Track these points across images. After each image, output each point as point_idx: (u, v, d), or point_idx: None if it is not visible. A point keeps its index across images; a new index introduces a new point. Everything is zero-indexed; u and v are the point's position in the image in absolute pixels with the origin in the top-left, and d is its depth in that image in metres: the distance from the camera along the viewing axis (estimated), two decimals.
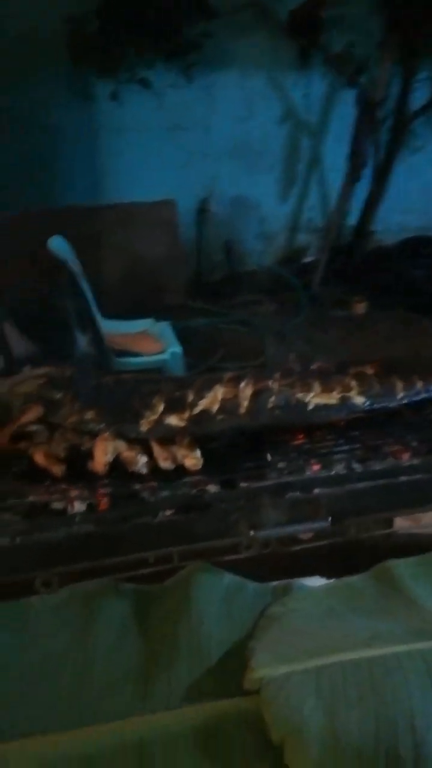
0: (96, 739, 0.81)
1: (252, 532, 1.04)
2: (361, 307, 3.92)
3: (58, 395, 1.11)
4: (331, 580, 1.01)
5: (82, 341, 2.53)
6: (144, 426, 1.08)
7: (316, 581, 1.02)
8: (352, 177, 3.82)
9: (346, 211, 4.08)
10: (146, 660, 0.90)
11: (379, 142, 3.79)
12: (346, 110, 3.79)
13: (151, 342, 2.70)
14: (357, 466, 1.12)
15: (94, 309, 2.62)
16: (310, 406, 1.12)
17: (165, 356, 2.58)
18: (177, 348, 2.62)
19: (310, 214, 4.32)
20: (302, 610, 0.95)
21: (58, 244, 2.41)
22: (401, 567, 0.99)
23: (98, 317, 2.64)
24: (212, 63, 3.53)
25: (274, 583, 1.01)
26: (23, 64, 3.23)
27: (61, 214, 3.55)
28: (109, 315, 3.02)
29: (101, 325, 2.77)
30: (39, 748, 0.77)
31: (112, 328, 2.78)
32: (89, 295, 2.59)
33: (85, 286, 2.56)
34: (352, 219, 4.13)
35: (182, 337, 2.90)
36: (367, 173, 3.85)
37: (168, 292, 4.13)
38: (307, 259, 4.36)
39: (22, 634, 0.90)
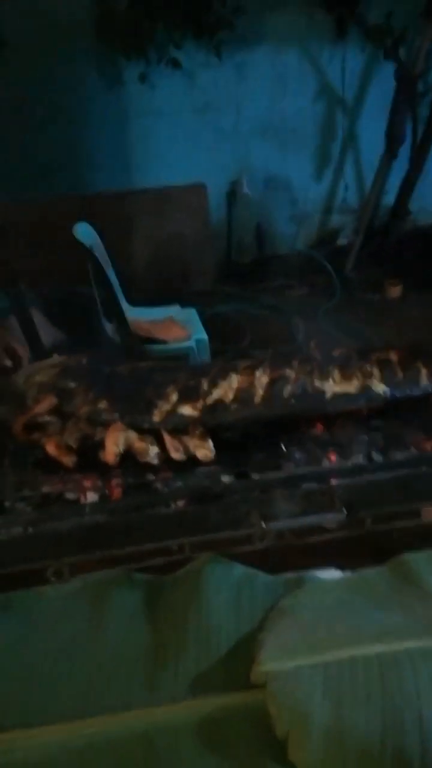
0: (101, 729, 0.81)
1: (263, 524, 1.02)
2: (395, 291, 3.82)
3: (72, 385, 1.11)
4: (346, 573, 0.98)
5: (109, 329, 2.54)
6: (157, 416, 1.07)
7: (330, 573, 0.99)
8: (389, 154, 3.70)
9: (383, 190, 3.95)
10: (155, 651, 0.89)
11: (418, 118, 3.64)
12: (383, 85, 3.66)
13: (177, 329, 2.69)
14: (377, 457, 1.09)
15: (120, 296, 2.62)
16: (328, 395, 1.09)
17: (190, 343, 2.56)
18: (203, 335, 2.61)
19: (345, 194, 4.20)
20: (314, 602, 0.93)
21: (83, 231, 2.41)
22: (418, 560, 0.96)
23: (124, 304, 2.64)
24: (244, 39, 3.44)
25: (287, 575, 0.99)
26: (51, 47, 3.23)
27: (91, 199, 3.56)
28: (137, 301, 3.02)
29: (129, 313, 2.78)
30: (44, 737, 0.78)
31: (138, 315, 2.78)
32: (115, 281, 2.59)
33: (111, 273, 2.56)
34: (389, 199, 4.01)
35: (210, 323, 2.88)
36: (405, 150, 3.72)
37: (197, 277, 4.11)
38: (341, 242, 4.25)
39: (32, 623, 0.91)
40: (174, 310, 2.97)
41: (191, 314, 2.89)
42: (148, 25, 2.94)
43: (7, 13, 2.99)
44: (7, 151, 3.43)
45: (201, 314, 2.95)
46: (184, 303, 3.07)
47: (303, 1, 3.49)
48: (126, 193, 3.79)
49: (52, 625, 0.91)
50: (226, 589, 0.95)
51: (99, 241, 2.57)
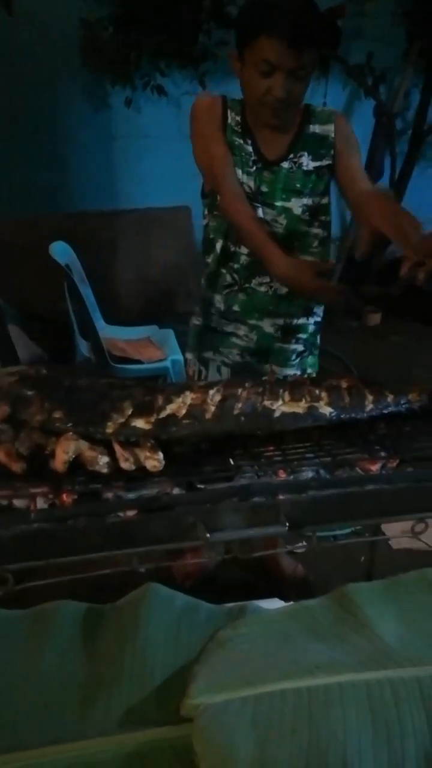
0: (27, 763, 0.77)
1: (208, 535, 1.00)
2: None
3: (29, 393, 1.09)
4: (288, 603, 0.95)
5: (84, 347, 2.52)
6: (110, 428, 1.06)
7: (273, 603, 0.96)
8: None
9: None
10: (88, 683, 0.86)
11: (395, 153, 3.73)
12: (363, 121, 3.74)
13: (153, 349, 2.68)
14: (322, 475, 1.08)
15: (96, 315, 2.61)
16: (276, 414, 1.09)
17: (166, 363, 2.55)
18: (178, 355, 2.59)
19: None
20: (252, 634, 0.90)
21: (59, 250, 2.41)
22: (361, 592, 0.93)
23: (99, 323, 2.63)
24: (228, 71, 3.51)
25: (229, 605, 0.96)
26: (39, 69, 3.26)
27: (75, 218, 3.57)
28: (116, 320, 3.00)
29: (106, 331, 2.77)
30: None
31: (115, 334, 2.77)
32: (91, 300, 2.58)
33: (87, 292, 2.55)
34: None
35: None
36: (383, 184, 3.79)
37: (180, 299, 4.10)
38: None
39: None
40: (151, 330, 2.97)
41: (168, 335, 2.88)
42: (134, 53, 2.99)
43: None
44: None
45: (180, 335, 2.94)
46: (163, 323, 3.06)
47: None
48: (110, 212, 3.81)
49: None
50: (165, 620, 0.92)
51: (75, 259, 2.57)
